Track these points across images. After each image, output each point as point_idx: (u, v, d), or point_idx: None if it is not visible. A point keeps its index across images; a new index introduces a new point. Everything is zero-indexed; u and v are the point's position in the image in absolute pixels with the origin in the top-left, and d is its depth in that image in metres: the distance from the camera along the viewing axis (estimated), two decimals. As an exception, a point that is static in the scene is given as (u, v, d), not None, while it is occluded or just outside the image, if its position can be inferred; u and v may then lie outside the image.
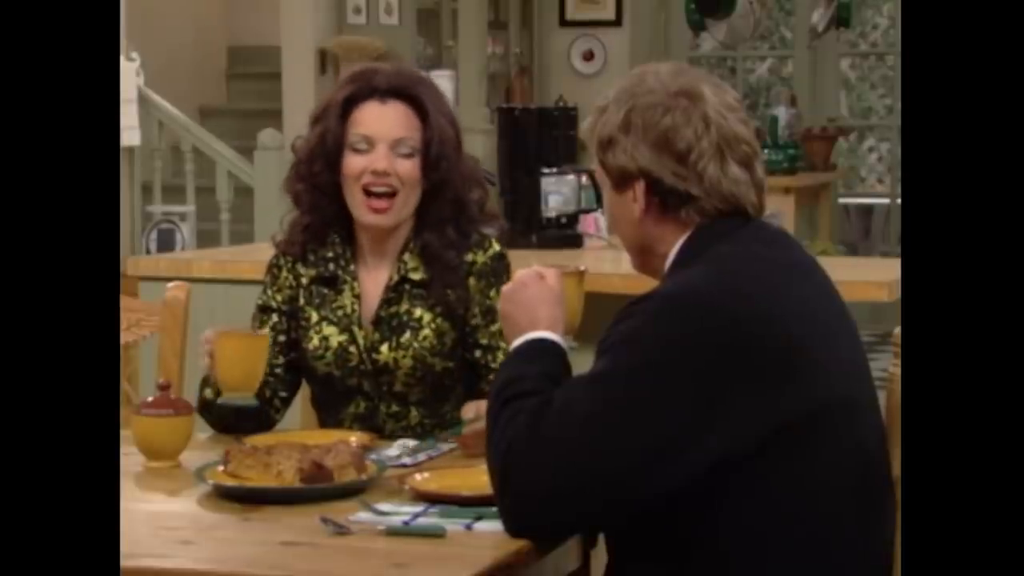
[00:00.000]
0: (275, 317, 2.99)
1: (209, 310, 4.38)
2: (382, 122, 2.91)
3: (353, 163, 2.91)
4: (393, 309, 2.93)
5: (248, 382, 2.72)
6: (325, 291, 2.97)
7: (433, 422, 2.94)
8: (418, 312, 2.92)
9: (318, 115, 2.98)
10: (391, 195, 2.90)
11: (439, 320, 2.92)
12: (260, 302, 3.02)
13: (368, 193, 2.90)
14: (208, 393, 2.89)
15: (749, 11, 8.24)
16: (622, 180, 2.31)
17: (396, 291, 2.94)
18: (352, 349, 2.93)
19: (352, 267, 2.97)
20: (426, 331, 2.92)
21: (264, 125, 7.98)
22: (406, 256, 2.95)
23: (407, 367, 2.91)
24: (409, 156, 2.91)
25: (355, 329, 2.93)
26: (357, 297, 2.95)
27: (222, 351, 2.71)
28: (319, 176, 2.94)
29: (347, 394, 2.95)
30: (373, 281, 2.97)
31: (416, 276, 2.94)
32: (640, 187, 2.29)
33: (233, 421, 2.86)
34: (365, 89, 2.94)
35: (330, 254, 2.98)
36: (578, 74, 9.50)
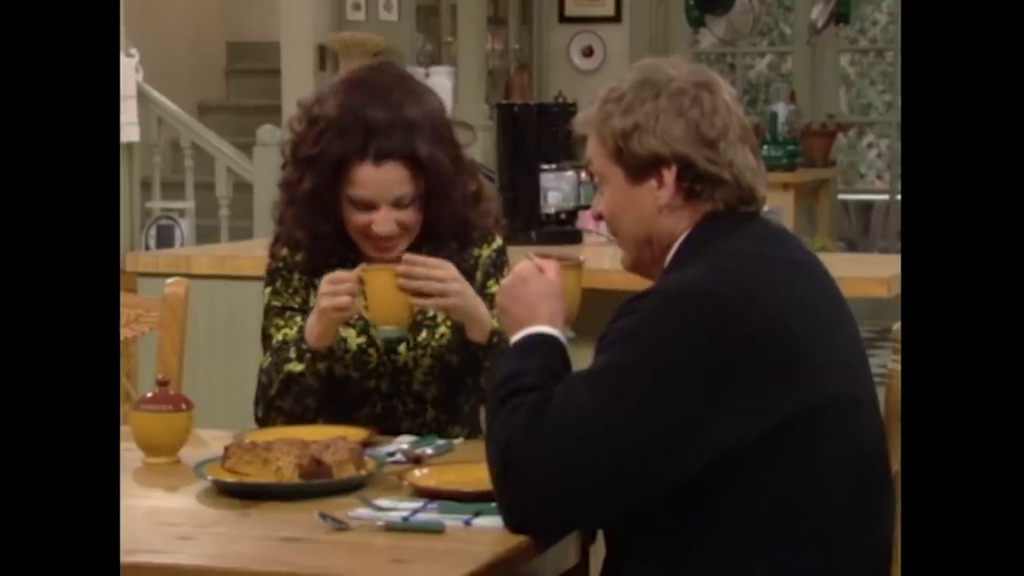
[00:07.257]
0: (299, 319, 2.91)
1: (208, 306, 4.39)
2: (378, 186, 2.83)
3: (356, 219, 2.87)
4: None
5: (403, 313, 2.76)
6: None
7: (448, 418, 2.93)
8: (431, 310, 2.89)
9: (308, 158, 2.86)
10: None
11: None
12: (277, 303, 2.96)
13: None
14: (295, 367, 2.84)
15: (748, 7, 8.25)
16: (647, 167, 2.29)
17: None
18: (371, 351, 2.90)
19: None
20: (442, 328, 2.90)
21: (263, 121, 7.98)
22: None
23: (426, 366, 2.90)
24: (411, 204, 2.86)
25: (372, 331, 2.89)
26: None
27: (378, 286, 2.74)
28: (319, 224, 2.89)
29: (364, 395, 2.91)
30: None
31: None
32: (671, 172, 2.28)
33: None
34: (357, 150, 2.83)
35: (336, 260, 2.92)
36: (577, 70, 9.51)
